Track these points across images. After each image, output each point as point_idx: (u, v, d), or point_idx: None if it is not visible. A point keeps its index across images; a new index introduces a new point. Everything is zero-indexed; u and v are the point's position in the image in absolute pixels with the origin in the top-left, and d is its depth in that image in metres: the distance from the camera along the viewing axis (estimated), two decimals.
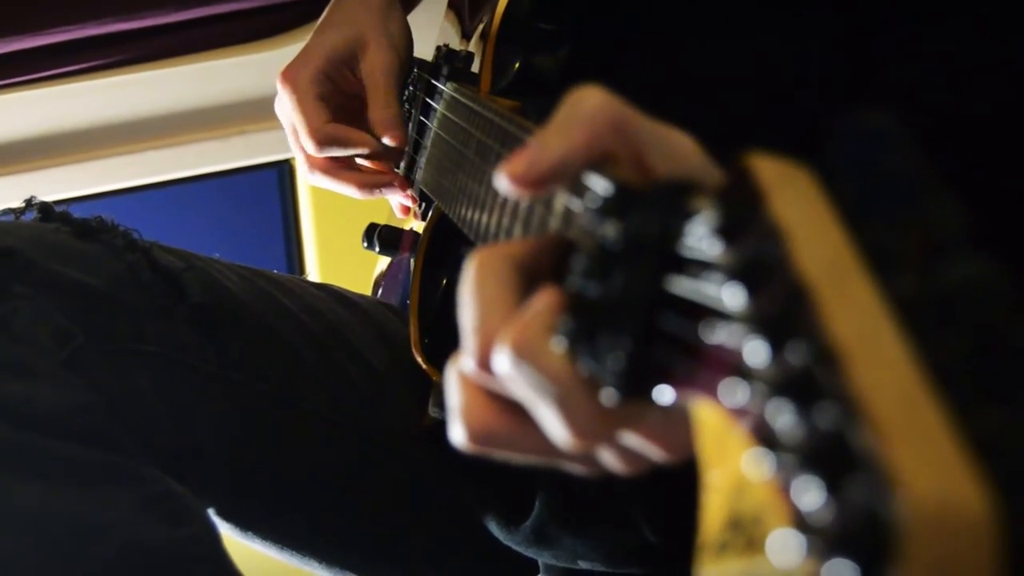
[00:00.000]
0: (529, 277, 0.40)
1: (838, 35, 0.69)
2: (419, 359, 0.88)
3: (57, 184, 1.74)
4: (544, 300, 0.37)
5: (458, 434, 0.40)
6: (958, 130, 0.61)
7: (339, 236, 1.87)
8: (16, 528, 0.69)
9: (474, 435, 0.39)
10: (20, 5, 1.53)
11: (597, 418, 0.36)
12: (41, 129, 1.71)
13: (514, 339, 0.36)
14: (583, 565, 0.85)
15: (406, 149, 0.99)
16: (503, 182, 0.40)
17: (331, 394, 0.91)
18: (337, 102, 0.94)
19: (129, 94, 1.70)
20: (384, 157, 0.96)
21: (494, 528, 0.88)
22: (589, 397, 0.36)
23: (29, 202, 0.86)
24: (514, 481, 0.86)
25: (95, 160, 1.76)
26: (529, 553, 0.87)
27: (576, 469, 0.41)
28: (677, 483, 0.39)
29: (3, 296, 0.75)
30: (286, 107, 0.94)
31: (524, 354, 0.36)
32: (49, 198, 0.88)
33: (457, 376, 0.40)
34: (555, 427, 0.37)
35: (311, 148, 0.93)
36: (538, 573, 0.90)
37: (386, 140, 0.92)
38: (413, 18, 1.01)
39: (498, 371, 0.38)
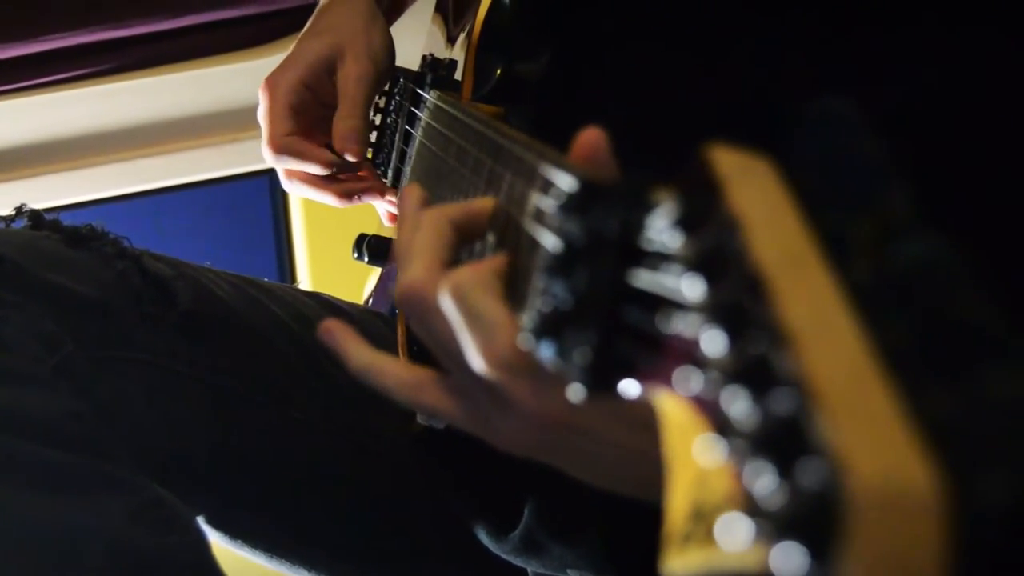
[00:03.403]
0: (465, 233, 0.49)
1: (824, 37, 0.69)
2: None
3: (47, 192, 1.74)
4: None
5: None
6: (948, 129, 0.61)
7: (330, 244, 1.87)
8: (4, 535, 0.69)
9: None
10: (9, 13, 1.54)
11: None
12: (31, 136, 1.71)
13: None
14: (572, 574, 0.84)
15: (392, 164, 0.99)
16: None
17: (320, 401, 0.91)
18: (316, 114, 0.94)
19: (120, 102, 1.70)
20: (347, 170, 0.96)
21: (483, 537, 0.88)
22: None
23: (19, 210, 0.86)
24: (503, 490, 0.86)
25: (85, 168, 1.75)
26: (518, 562, 0.86)
27: None
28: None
29: None
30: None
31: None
32: (39, 206, 0.88)
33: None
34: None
35: (267, 157, 0.93)
36: None
37: (346, 155, 0.91)
38: (400, 24, 1.02)
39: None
